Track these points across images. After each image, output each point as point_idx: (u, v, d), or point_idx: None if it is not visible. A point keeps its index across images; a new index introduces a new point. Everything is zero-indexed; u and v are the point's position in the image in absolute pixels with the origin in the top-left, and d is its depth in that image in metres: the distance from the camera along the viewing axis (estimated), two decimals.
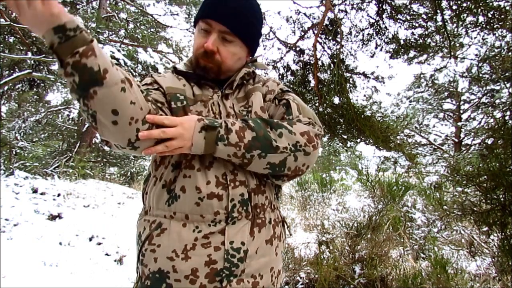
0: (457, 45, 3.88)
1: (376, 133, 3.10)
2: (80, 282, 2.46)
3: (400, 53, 3.47)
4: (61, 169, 6.30)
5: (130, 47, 7.55)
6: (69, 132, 9.91)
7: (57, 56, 0.57)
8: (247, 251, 0.76)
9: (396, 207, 3.18)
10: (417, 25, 3.15)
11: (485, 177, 1.93)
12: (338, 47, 3.28)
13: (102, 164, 9.47)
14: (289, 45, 3.48)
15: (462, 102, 11.18)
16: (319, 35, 3.21)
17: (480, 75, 8.17)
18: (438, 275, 2.18)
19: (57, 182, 5.01)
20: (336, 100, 3.24)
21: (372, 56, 3.48)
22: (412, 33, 3.25)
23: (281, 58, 3.52)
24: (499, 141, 1.94)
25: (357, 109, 3.17)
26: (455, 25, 2.93)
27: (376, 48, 3.41)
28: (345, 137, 3.59)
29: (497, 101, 8.58)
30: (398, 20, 3.16)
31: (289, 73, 3.55)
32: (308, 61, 3.47)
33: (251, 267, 0.77)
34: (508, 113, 3.80)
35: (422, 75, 10.34)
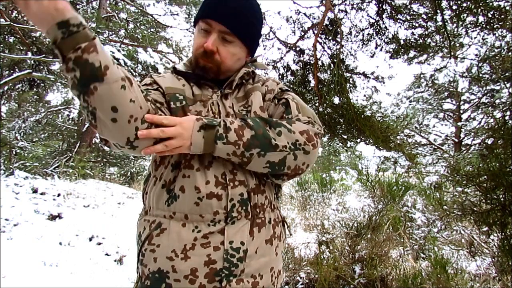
0: (457, 45, 3.88)
1: (376, 133, 3.10)
2: (80, 282, 2.46)
3: (400, 53, 3.47)
4: (61, 169, 6.30)
5: (130, 47, 7.55)
6: (69, 132, 9.91)
7: (60, 51, 0.58)
8: (246, 251, 0.76)
9: (396, 207, 3.18)
10: (417, 25, 3.15)
11: (485, 177, 1.93)
12: (338, 47, 3.28)
13: (102, 164, 9.47)
14: (289, 45, 3.48)
15: (462, 102, 11.18)
16: (319, 35, 3.21)
17: (480, 75, 8.17)
18: (438, 275, 2.18)
19: (57, 182, 5.01)
20: (336, 100, 3.24)
21: (372, 56, 3.48)
22: (412, 33, 3.25)
23: (281, 58, 3.52)
24: (499, 141, 1.94)
25: (357, 109, 3.17)
26: (455, 25, 2.92)
27: (376, 48, 3.41)
28: (345, 137, 3.59)
29: (497, 101, 8.58)
30: (398, 20, 3.16)
31: (289, 73, 3.55)
32: (308, 61, 3.47)
33: (251, 267, 0.77)
34: (508, 113, 3.80)
35: (422, 75, 10.35)
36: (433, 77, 10.64)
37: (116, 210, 4.53)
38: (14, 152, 6.20)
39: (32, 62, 6.63)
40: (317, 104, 3.30)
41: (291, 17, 3.47)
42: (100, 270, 2.74)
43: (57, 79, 6.35)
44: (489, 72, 7.69)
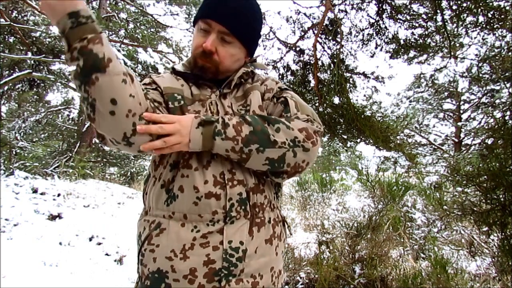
0: (457, 45, 3.88)
1: (376, 133, 3.10)
2: (80, 282, 2.46)
3: (400, 53, 3.47)
4: (61, 169, 6.30)
5: (130, 47, 7.55)
6: (69, 132, 9.91)
7: (67, 40, 0.61)
8: (246, 251, 0.76)
9: (396, 207, 3.18)
10: (417, 25, 3.14)
11: (485, 177, 1.93)
12: (338, 47, 3.28)
13: (102, 164, 9.47)
14: (289, 45, 3.48)
15: (462, 102, 11.18)
16: (319, 35, 3.21)
17: (480, 75, 8.16)
18: (438, 275, 2.18)
19: (57, 182, 5.01)
20: (336, 100, 3.24)
21: (372, 56, 3.48)
22: (412, 33, 3.25)
23: (281, 58, 3.52)
24: (499, 141, 1.94)
25: (357, 109, 3.17)
26: (455, 25, 2.92)
27: (376, 48, 3.40)
28: (345, 137, 3.58)
29: (497, 101, 8.58)
30: (398, 20, 3.16)
31: (289, 73, 3.55)
32: (308, 61, 3.47)
33: (251, 267, 0.76)
34: (508, 113, 3.80)
35: (422, 75, 10.35)
36: (433, 77, 10.64)
37: (116, 210, 4.53)
38: (14, 152, 6.20)
39: (32, 62, 6.63)
40: (317, 104, 3.30)
41: (291, 17, 3.47)
42: (100, 270, 2.74)
43: (57, 79, 6.35)
44: (489, 72, 7.69)
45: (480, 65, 7.48)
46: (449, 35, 2.99)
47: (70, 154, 8.14)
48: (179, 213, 0.76)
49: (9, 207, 3.44)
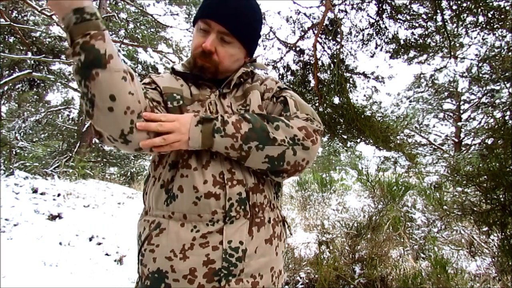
0: (457, 45, 3.88)
1: (376, 133, 3.10)
2: (80, 282, 2.46)
3: (400, 53, 3.47)
4: (61, 169, 6.30)
5: (130, 47, 7.56)
6: (69, 132, 9.91)
7: (70, 35, 0.62)
8: (245, 251, 0.76)
9: (396, 207, 3.18)
10: (417, 25, 3.14)
11: (485, 177, 1.93)
12: (338, 47, 3.28)
13: (102, 164, 9.47)
14: (289, 45, 3.48)
15: (462, 102, 11.18)
16: (319, 35, 3.21)
17: (480, 75, 8.16)
18: (438, 275, 2.18)
19: (57, 182, 5.01)
20: (336, 100, 3.24)
21: (372, 56, 3.48)
22: (412, 33, 3.25)
23: (281, 58, 3.52)
24: (499, 141, 1.94)
25: (357, 109, 3.17)
26: (455, 25, 2.92)
27: (376, 48, 3.40)
28: (345, 137, 3.58)
29: (497, 101, 8.58)
30: (398, 20, 3.16)
31: (289, 73, 3.55)
32: (308, 61, 3.47)
33: (251, 267, 0.76)
34: (508, 113, 3.80)
35: (422, 75, 10.35)
36: (433, 77, 10.64)
37: (116, 210, 4.53)
38: (14, 152, 6.20)
39: (32, 62, 6.63)
40: (317, 104, 3.30)
41: (291, 17, 3.47)
42: (100, 270, 2.74)
43: (57, 79, 6.35)
44: (489, 72, 7.69)
45: (480, 65, 7.48)
46: (449, 35, 2.99)
47: (70, 154, 8.14)
48: (178, 213, 0.76)
49: (9, 207, 3.44)
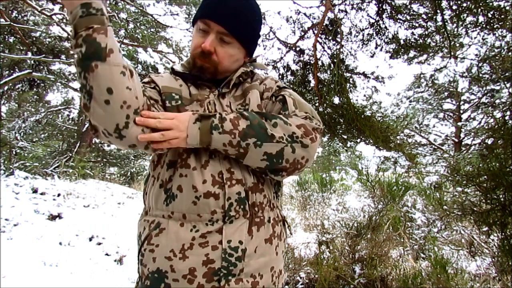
0: (457, 45, 3.88)
1: (376, 133, 3.09)
2: (80, 282, 2.46)
3: (400, 53, 3.47)
4: (61, 169, 6.30)
5: (130, 47, 7.55)
6: (69, 132, 9.92)
7: (74, 28, 0.64)
8: (245, 250, 0.75)
9: (396, 207, 3.18)
10: (417, 25, 3.14)
11: (485, 177, 1.93)
12: (338, 47, 3.28)
13: (102, 164, 9.48)
14: (289, 45, 3.48)
15: (462, 102, 11.18)
16: (319, 35, 3.21)
17: (480, 75, 8.16)
18: (438, 275, 2.18)
19: (57, 182, 5.01)
20: (336, 100, 3.24)
21: (372, 56, 3.48)
22: (412, 33, 3.25)
23: (281, 58, 3.52)
24: (499, 141, 1.94)
25: (357, 109, 3.17)
26: (455, 25, 2.92)
27: (376, 48, 3.40)
28: (345, 137, 3.58)
29: (497, 101, 8.57)
30: (398, 20, 3.16)
31: (289, 73, 3.55)
32: (308, 61, 3.47)
33: (250, 267, 0.76)
34: (508, 113, 3.80)
35: (422, 75, 10.34)
36: (433, 77, 10.63)
37: (116, 210, 4.53)
38: (14, 152, 6.20)
39: (32, 62, 6.63)
40: (317, 104, 3.30)
41: (291, 17, 3.47)
42: (100, 270, 2.74)
43: (57, 79, 6.36)
44: (489, 72, 7.69)
45: (480, 65, 7.48)
46: (449, 35, 2.99)
47: (70, 154, 8.14)
48: (178, 213, 0.76)
49: (9, 207, 3.44)
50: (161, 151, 0.77)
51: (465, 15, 2.77)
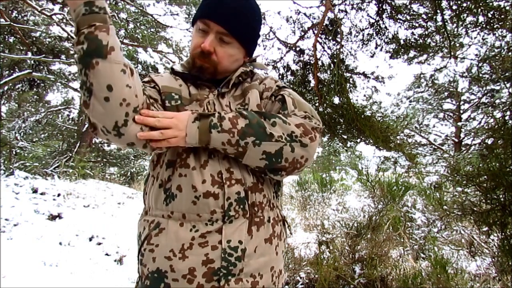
0: (457, 45, 3.88)
1: (376, 133, 3.09)
2: (80, 282, 2.46)
3: (400, 53, 3.47)
4: (61, 169, 6.30)
5: (130, 47, 7.55)
6: (69, 132, 9.92)
7: (77, 26, 0.65)
8: (245, 250, 0.75)
9: (396, 207, 3.18)
10: (417, 25, 3.14)
11: (485, 177, 1.93)
12: (338, 47, 3.28)
13: (102, 164, 9.48)
14: (289, 45, 3.47)
15: (462, 102, 11.18)
16: (319, 35, 3.21)
17: (480, 75, 8.16)
18: (438, 275, 2.18)
19: (57, 182, 5.01)
20: (336, 100, 3.24)
21: (372, 56, 3.47)
22: (412, 33, 3.25)
23: (281, 58, 3.52)
24: (499, 141, 1.94)
25: (357, 109, 3.17)
26: (455, 25, 2.92)
27: (376, 48, 3.40)
28: (345, 137, 3.58)
29: (497, 101, 8.57)
30: (398, 20, 3.16)
31: (289, 73, 3.55)
32: (308, 61, 3.47)
33: (250, 266, 0.76)
34: (508, 113, 3.80)
35: (422, 75, 10.34)
36: (433, 77, 10.63)
37: (116, 210, 4.53)
38: (14, 152, 6.20)
39: (32, 62, 6.63)
40: (317, 104, 3.30)
41: (291, 17, 3.47)
42: (100, 270, 2.74)
43: (57, 79, 6.36)
44: (489, 72, 7.69)
45: (480, 65, 7.48)
46: (449, 35, 2.99)
47: (70, 154, 8.14)
48: (177, 213, 0.76)
49: (9, 207, 3.44)
50: (160, 150, 0.77)
51: (465, 15, 2.77)
